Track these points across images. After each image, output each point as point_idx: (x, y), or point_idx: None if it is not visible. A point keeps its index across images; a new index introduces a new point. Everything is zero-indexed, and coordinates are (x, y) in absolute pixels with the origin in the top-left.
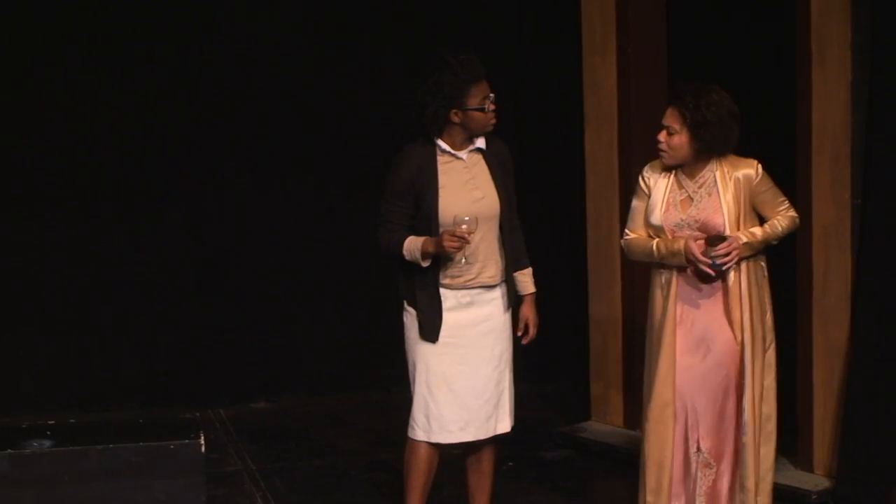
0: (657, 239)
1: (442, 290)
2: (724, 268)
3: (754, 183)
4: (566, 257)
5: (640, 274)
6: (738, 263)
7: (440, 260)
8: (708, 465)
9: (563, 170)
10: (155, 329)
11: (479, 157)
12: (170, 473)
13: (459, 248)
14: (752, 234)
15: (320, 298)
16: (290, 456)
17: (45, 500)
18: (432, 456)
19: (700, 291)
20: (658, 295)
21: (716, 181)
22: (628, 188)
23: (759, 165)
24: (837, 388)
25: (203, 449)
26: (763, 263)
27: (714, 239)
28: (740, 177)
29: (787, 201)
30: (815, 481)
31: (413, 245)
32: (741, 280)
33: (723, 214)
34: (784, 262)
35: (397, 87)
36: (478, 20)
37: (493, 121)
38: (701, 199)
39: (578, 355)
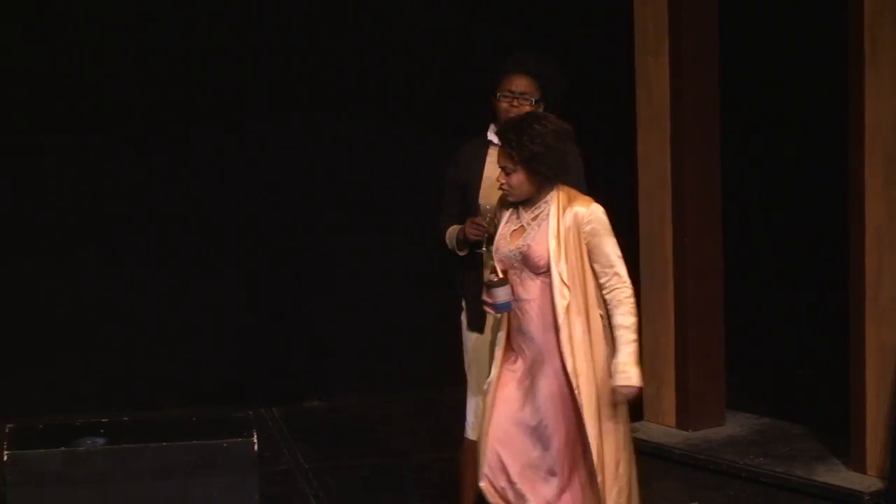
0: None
1: None
2: (502, 310)
3: (583, 222)
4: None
5: (691, 274)
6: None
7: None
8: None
9: (616, 170)
10: (209, 327)
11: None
12: (223, 472)
13: (480, 236)
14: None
15: (375, 297)
16: (342, 454)
17: (98, 497)
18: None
19: (527, 335)
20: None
21: (549, 213)
22: (681, 188)
23: (598, 208)
24: (890, 389)
25: (256, 447)
26: (602, 312)
27: (492, 283)
28: (572, 212)
29: (619, 268)
30: (867, 482)
31: (451, 234)
32: (573, 329)
33: (547, 248)
34: (837, 262)
35: (450, 81)
36: (531, 17)
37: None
38: (531, 231)
39: None
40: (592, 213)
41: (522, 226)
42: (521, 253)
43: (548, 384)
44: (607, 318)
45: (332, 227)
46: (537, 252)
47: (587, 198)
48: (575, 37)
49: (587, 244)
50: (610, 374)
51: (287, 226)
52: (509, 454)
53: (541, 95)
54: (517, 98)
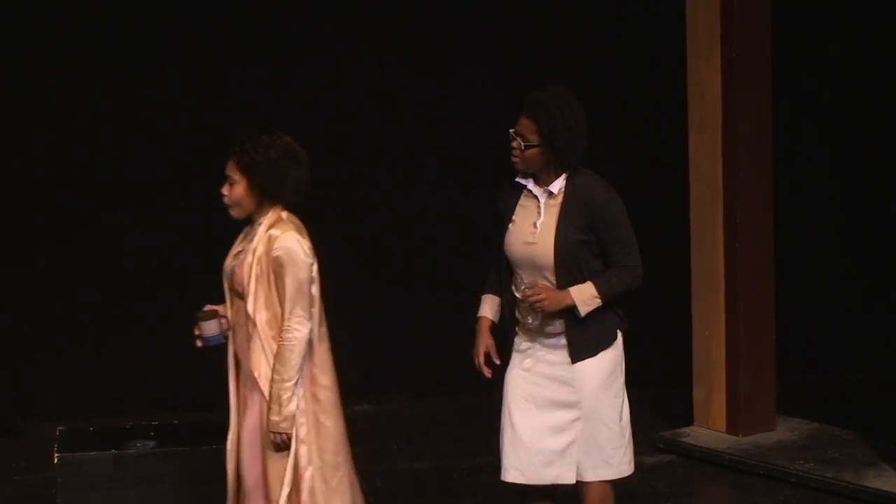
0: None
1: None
2: (212, 343)
3: (272, 247)
4: (669, 262)
5: (743, 279)
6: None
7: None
8: None
9: (667, 174)
10: None
11: (559, 200)
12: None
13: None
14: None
15: (424, 300)
16: (392, 458)
17: (147, 500)
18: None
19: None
20: None
21: (256, 235)
22: (732, 194)
23: (290, 237)
24: None
25: None
26: None
27: (203, 314)
28: (268, 236)
29: (291, 309)
30: None
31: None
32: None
33: (244, 270)
34: (887, 266)
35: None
36: (582, 23)
37: (513, 158)
38: (244, 253)
39: (681, 360)
40: (283, 242)
41: (243, 247)
42: (231, 273)
43: (253, 411)
44: None
45: (380, 231)
46: (239, 275)
47: (291, 225)
48: (627, 41)
49: (273, 272)
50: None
51: (334, 230)
52: None
53: (541, 140)
54: (516, 138)
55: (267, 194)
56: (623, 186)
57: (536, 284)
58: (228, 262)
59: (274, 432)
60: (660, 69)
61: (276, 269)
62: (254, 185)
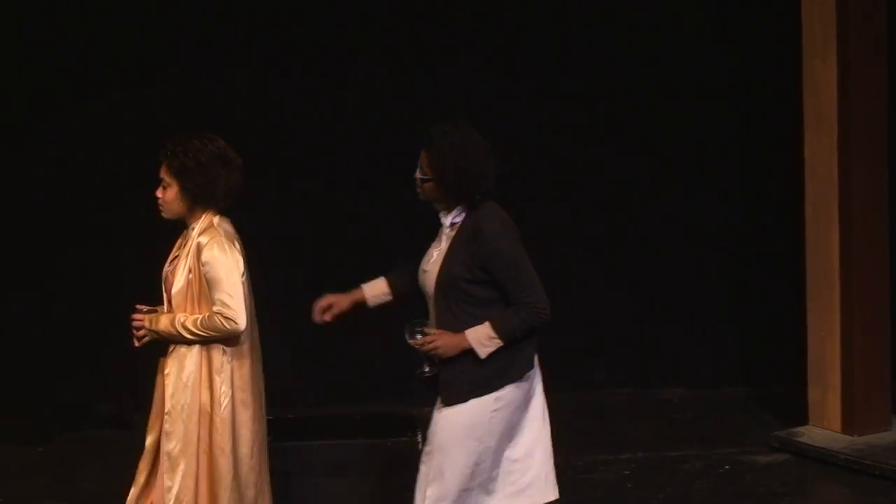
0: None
1: None
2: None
3: (201, 253)
4: (784, 260)
5: (858, 278)
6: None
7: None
8: None
9: (783, 174)
10: (374, 326)
11: (454, 233)
12: (387, 470)
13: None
14: (167, 322)
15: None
16: None
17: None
18: None
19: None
20: None
21: (189, 241)
22: (848, 193)
23: (215, 240)
24: None
25: (420, 446)
26: (216, 353)
27: (142, 310)
28: (195, 243)
29: (224, 297)
30: None
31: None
32: (171, 364)
33: (175, 276)
34: None
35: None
36: (696, 23)
37: (417, 188)
38: (179, 259)
39: (796, 359)
40: (209, 246)
41: (180, 253)
42: (165, 279)
43: None
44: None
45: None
46: (171, 281)
47: (219, 231)
48: (743, 41)
49: (204, 277)
50: (219, 412)
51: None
52: None
53: (433, 175)
54: (417, 169)
55: (198, 199)
56: (738, 186)
57: (432, 332)
58: (165, 267)
59: (146, 328)
60: (775, 69)
61: (205, 274)
62: (185, 190)
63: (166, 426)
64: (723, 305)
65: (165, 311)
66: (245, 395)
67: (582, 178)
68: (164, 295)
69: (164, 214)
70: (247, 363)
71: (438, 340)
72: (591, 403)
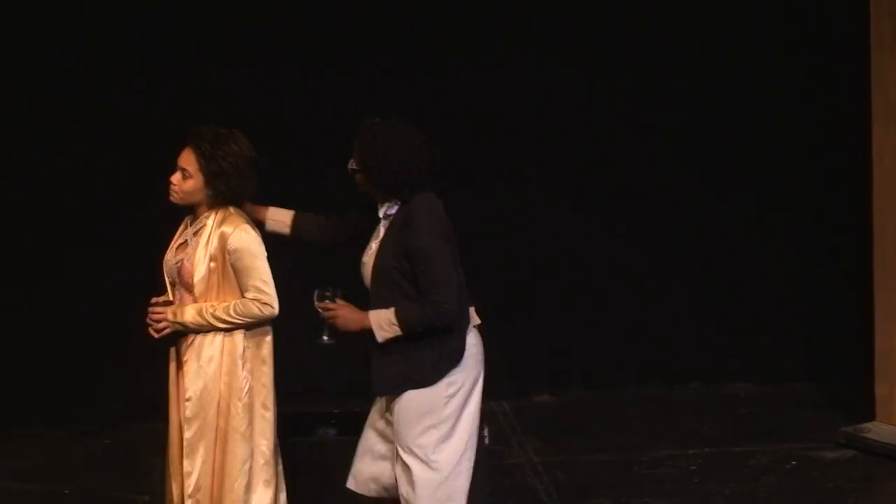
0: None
1: None
2: (154, 336)
3: (227, 243)
4: (850, 255)
5: None
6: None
7: None
8: None
9: (850, 170)
10: None
11: (390, 221)
12: None
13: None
14: (194, 312)
15: (606, 293)
16: (572, 449)
17: (329, 486)
18: None
19: (179, 351)
20: None
21: (205, 230)
22: None
23: (244, 230)
24: None
25: (487, 441)
26: (238, 339)
27: (160, 303)
28: (219, 233)
29: (260, 285)
30: None
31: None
32: (190, 352)
33: (194, 263)
34: None
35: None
36: (763, 15)
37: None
38: (190, 247)
39: (863, 354)
40: (238, 235)
41: (187, 240)
42: (177, 268)
43: None
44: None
45: (568, 226)
46: (188, 269)
47: (238, 219)
48: (810, 34)
49: (232, 265)
50: (241, 398)
51: (521, 222)
52: None
53: (361, 166)
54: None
55: (226, 200)
56: (805, 181)
57: (338, 302)
58: (171, 255)
59: (168, 320)
60: (843, 63)
61: (234, 262)
62: (214, 189)
63: (186, 413)
64: (789, 301)
65: (172, 299)
66: (265, 382)
67: (652, 177)
68: (170, 283)
69: (173, 199)
70: (266, 350)
71: (340, 311)
72: (658, 399)
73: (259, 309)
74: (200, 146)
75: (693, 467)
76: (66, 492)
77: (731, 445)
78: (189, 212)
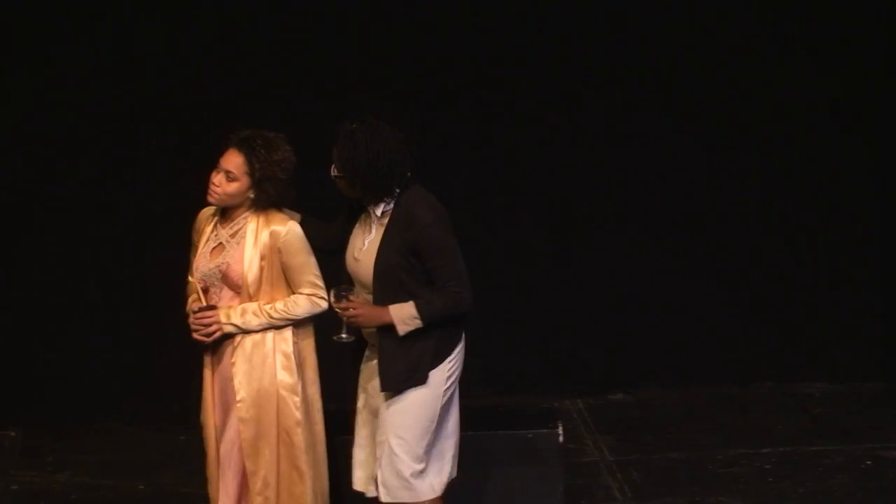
0: (193, 294)
1: None
2: (205, 340)
3: (280, 241)
4: None
5: None
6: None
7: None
8: None
9: None
10: (515, 320)
11: (385, 221)
12: (527, 462)
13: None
14: (250, 312)
15: (680, 291)
16: (647, 448)
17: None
18: None
19: (219, 355)
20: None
21: (247, 231)
22: None
23: (294, 227)
24: None
25: (561, 439)
26: (288, 335)
27: (203, 309)
28: (269, 232)
29: (314, 279)
30: None
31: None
32: (237, 354)
33: (243, 267)
34: None
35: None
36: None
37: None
38: (230, 249)
39: None
40: (289, 232)
41: (222, 243)
42: (219, 271)
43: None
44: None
45: (643, 228)
46: (237, 271)
47: (284, 217)
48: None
49: (283, 264)
50: (297, 393)
51: (601, 220)
52: None
53: (345, 172)
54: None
55: (272, 204)
56: (880, 178)
57: (356, 300)
58: (203, 260)
59: (219, 322)
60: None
61: (287, 259)
62: (262, 193)
63: (241, 413)
64: (865, 299)
65: (215, 303)
66: (313, 375)
67: (723, 178)
68: (202, 289)
69: (211, 200)
70: (312, 345)
71: (360, 309)
72: (732, 398)
73: (317, 304)
74: (255, 151)
75: (767, 466)
76: (140, 487)
77: (805, 445)
78: (219, 214)
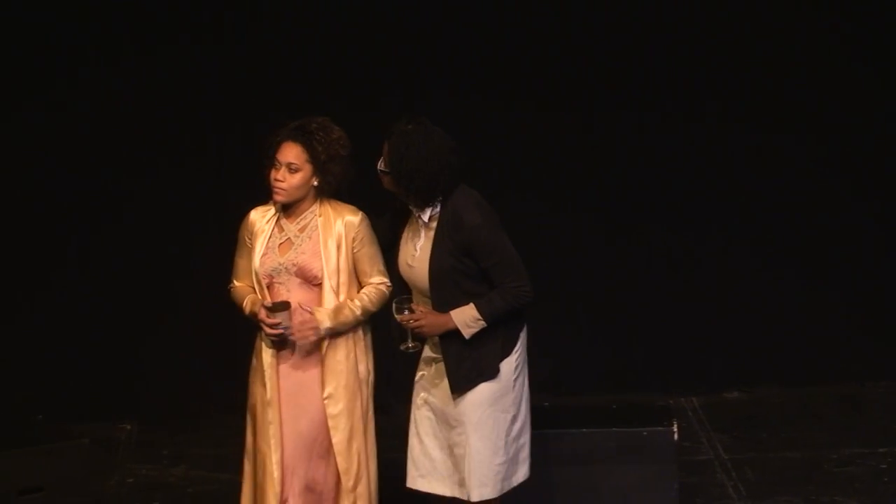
0: (251, 294)
1: None
2: (292, 339)
3: (355, 230)
4: None
5: None
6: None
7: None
8: None
9: None
10: (629, 317)
11: (434, 225)
12: (642, 460)
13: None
14: (338, 314)
15: (795, 289)
16: (762, 447)
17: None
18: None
19: (295, 353)
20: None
21: (318, 225)
22: None
23: (365, 217)
24: None
25: (676, 437)
26: (361, 332)
27: (276, 305)
28: (343, 222)
29: (383, 269)
30: None
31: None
32: (325, 350)
33: (321, 260)
34: None
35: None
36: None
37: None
38: (301, 243)
39: None
40: (362, 221)
41: (290, 238)
42: (293, 265)
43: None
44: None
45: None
46: (315, 265)
47: (350, 206)
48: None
49: (355, 253)
50: (370, 384)
51: (706, 218)
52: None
53: (391, 170)
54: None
55: (335, 186)
56: None
57: (418, 310)
58: (272, 256)
59: (313, 327)
60: None
61: (359, 249)
62: (326, 176)
63: (330, 409)
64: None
65: (285, 300)
66: (372, 367)
67: (815, 181)
68: (267, 286)
69: (279, 198)
70: (370, 336)
71: (424, 319)
72: (849, 396)
73: (386, 293)
74: (313, 135)
75: (883, 466)
76: None
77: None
78: (281, 210)
